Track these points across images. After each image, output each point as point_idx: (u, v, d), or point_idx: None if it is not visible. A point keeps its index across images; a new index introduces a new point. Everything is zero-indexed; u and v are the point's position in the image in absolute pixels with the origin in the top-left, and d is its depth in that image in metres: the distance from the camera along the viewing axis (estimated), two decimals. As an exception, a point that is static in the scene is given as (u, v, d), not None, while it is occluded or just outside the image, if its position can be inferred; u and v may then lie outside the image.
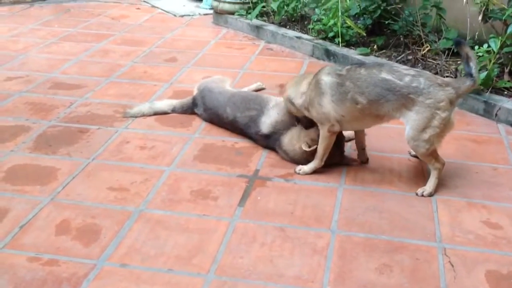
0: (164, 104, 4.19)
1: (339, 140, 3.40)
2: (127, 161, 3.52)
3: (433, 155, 3.15)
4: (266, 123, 3.61)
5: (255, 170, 3.44)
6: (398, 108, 3.07)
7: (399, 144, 3.63)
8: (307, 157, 3.39)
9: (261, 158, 3.57)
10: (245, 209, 3.06)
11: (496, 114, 4.10)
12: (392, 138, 3.79)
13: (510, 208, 3.10)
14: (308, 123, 3.41)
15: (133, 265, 2.62)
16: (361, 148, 3.49)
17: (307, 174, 3.37)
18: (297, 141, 3.44)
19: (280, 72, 5.01)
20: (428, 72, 3.18)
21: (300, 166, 3.40)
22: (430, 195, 3.18)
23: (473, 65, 3.04)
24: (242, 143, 3.74)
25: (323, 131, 3.26)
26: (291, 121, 3.54)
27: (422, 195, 3.17)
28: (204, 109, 4.01)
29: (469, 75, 3.05)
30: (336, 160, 3.45)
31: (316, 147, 3.34)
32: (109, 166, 3.45)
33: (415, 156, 3.47)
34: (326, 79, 3.19)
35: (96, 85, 4.65)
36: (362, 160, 3.50)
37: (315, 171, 3.38)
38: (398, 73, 3.06)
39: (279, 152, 3.56)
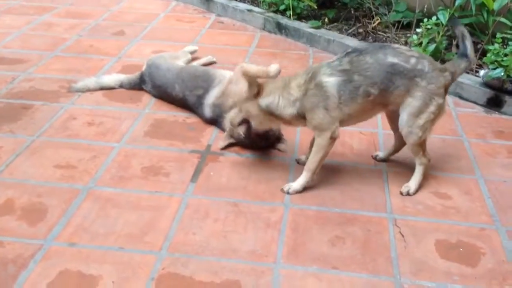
0: (111, 79, 4.05)
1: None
2: (74, 138, 3.40)
3: (422, 146, 3.01)
4: (208, 105, 3.54)
5: (207, 145, 3.39)
6: (403, 94, 2.86)
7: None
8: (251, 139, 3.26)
9: (213, 133, 3.52)
10: (197, 184, 3.02)
11: (444, 87, 4.15)
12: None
13: (458, 178, 3.17)
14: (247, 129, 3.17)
15: (82, 244, 2.55)
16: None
17: (298, 192, 2.99)
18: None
19: (231, 45, 4.94)
20: (427, 55, 3.11)
21: (289, 184, 3.01)
22: (410, 193, 3.01)
23: (468, 44, 2.96)
24: (194, 118, 3.67)
25: (324, 139, 2.90)
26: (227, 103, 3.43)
27: (408, 194, 3.01)
28: (152, 86, 3.90)
29: (464, 55, 2.97)
30: (261, 145, 3.32)
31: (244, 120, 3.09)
32: (55, 143, 3.33)
33: (383, 160, 3.30)
34: (331, 80, 2.83)
35: (40, 60, 4.46)
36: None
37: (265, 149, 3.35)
38: (403, 55, 2.85)
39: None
